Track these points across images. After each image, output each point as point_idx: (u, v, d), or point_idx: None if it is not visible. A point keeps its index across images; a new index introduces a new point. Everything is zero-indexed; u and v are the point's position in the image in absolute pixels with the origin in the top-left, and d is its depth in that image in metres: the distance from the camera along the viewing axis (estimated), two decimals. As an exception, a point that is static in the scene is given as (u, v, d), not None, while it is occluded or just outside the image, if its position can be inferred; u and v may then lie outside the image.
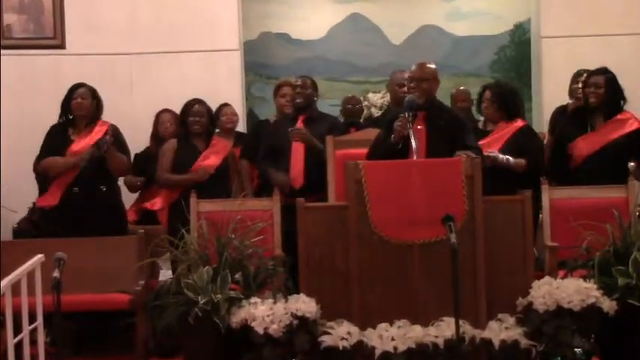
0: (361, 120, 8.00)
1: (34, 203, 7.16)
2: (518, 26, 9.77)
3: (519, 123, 6.34)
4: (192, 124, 6.62)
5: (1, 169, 7.04)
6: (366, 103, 8.57)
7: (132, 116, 7.10)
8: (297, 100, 6.67)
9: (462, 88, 8.16)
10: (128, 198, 7.14)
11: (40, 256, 4.64)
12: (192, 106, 6.66)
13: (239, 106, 7.92)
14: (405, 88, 6.78)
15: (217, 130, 7.35)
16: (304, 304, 5.05)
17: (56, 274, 4.52)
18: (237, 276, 5.27)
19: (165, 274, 5.68)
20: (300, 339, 4.98)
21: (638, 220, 5.54)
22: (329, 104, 8.82)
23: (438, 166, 5.33)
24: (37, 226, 6.96)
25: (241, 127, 7.90)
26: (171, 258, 5.53)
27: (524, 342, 5.00)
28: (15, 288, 4.40)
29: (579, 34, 8.21)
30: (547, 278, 5.24)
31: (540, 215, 6.05)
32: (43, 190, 6.94)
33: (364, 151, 5.88)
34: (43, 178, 6.96)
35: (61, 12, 8.12)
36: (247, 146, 7.04)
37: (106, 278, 5.90)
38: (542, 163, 6.33)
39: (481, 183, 5.23)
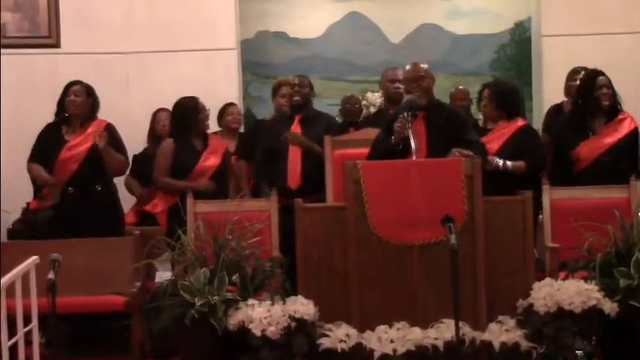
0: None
1: (28, 204, 7.14)
2: (518, 25, 9.78)
3: (520, 122, 6.34)
4: (203, 121, 6.55)
5: (0, 170, 7.03)
6: (364, 102, 8.56)
7: (128, 115, 7.10)
8: (295, 98, 6.67)
9: (461, 87, 8.15)
10: (128, 200, 7.14)
11: (34, 257, 4.64)
12: (198, 103, 6.54)
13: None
14: (398, 84, 6.78)
15: (220, 129, 7.35)
16: (302, 306, 5.05)
17: (51, 275, 4.51)
18: (235, 277, 5.26)
19: (162, 276, 5.66)
20: (298, 341, 4.97)
21: (640, 220, 5.54)
22: (327, 104, 8.81)
23: (437, 166, 5.33)
24: (31, 227, 6.94)
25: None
26: (171, 260, 5.52)
27: (524, 344, 5.00)
28: (9, 290, 4.40)
29: (580, 33, 8.20)
30: (548, 280, 5.23)
31: (540, 216, 6.04)
32: (38, 190, 6.93)
33: (363, 150, 5.88)
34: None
35: (56, 10, 8.10)
36: (244, 146, 7.03)
37: (102, 280, 5.89)
38: (543, 163, 6.32)
39: (481, 183, 5.23)
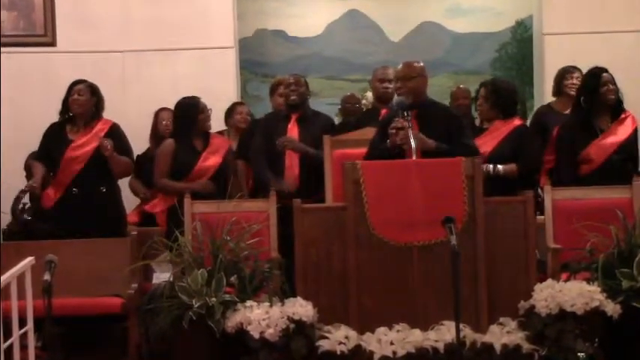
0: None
1: (24, 204, 7.14)
2: (519, 23, 9.79)
3: (516, 122, 6.29)
4: (204, 121, 6.51)
5: (1, 169, 7.03)
6: (364, 101, 8.56)
7: (125, 115, 7.08)
8: (292, 98, 6.67)
9: (461, 86, 8.16)
10: (131, 201, 7.15)
11: (30, 258, 4.64)
12: (199, 103, 6.53)
13: (234, 105, 7.90)
14: (387, 84, 6.77)
15: (226, 128, 7.34)
16: (301, 308, 5.05)
17: (47, 277, 4.50)
18: (233, 279, 5.26)
19: (159, 277, 5.66)
20: (297, 343, 4.97)
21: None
22: (326, 103, 8.81)
23: (437, 166, 5.33)
24: (27, 228, 6.94)
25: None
26: (168, 261, 5.52)
27: (526, 346, 5.01)
28: (5, 291, 4.39)
29: (582, 31, 8.20)
30: (549, 281, 5.23)
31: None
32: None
33: (362, 150, 5.87)
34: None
35: (51, 8, 8.10)
36: (243, 146, 7.02)
37: (98, 281, 5.88)
38: (536, 166, 6.30)
39: (482, 184, 5.23)
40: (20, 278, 4.54)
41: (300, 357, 4.98)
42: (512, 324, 5.15)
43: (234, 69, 8.38)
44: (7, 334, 4.44)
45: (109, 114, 6.70)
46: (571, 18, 8.27)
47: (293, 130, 6.62)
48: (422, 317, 5.16)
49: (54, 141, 6.47)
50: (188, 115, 6.48)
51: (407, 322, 5.13)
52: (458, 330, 4.66)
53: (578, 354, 4.98)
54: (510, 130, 6.21)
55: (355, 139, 6.36)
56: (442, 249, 4.97)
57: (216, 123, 7.09)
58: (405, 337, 5.05)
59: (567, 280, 5.25)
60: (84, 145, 6.40)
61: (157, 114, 7.41)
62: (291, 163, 6.53)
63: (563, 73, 6.98)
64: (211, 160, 6.45)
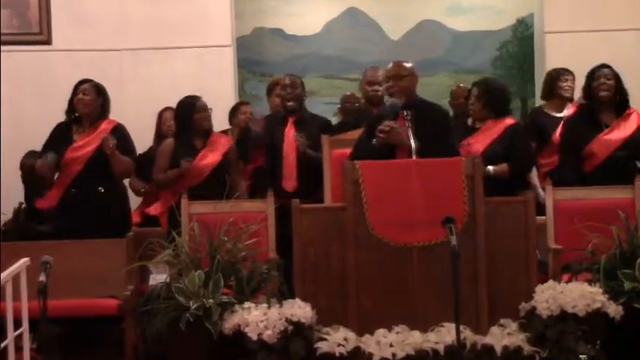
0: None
1: (20, 204, 7.15)
2: (520, 21, 9.78)
3: (508, 121, 6.29)
4: (201, 120, 6.46)
5: (1, 170, 7.04)
6: (364, 101, 8.55)
7: (122, 114, 7.06)
8: (289, 104, 6.67)
9: (461, 85, 8.15)
10: (134, 200, 7.14)
11: (25, 259, 4.63)
12: (196, 102, 6.53)
13: (232, 104, 7.90)
14: (376, 87, 6.75)
15: (230, 127, 7.34)
16: (299, 309, 5.05)
17: (42, 278, 4.50)
18: (230, 280, 5.26)
19: (156, 278, 5.66)
20: (296, 345, 4.97)
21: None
22: (325, 102, 8.81)
23: (437, 166, 5.33)
24: (23, 228, 6.95)
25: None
26: (165, 261, 5.52)
27: (527, 348, 5.00)
28: (0, 292, 4.39)
29: (583, 29, 8.21)
30: (551, 282, 5.23)
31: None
32: (29, 190, 6.94)
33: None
34: (30, 177, 6.96)
35: (47, 6, 8.09)
36: (240, 146, 7.02)
37: (94, 282, 5.88)
38: (528, 165, 6.30)
39: (482, 184, 5.23)
40: (15, 279, 4.54)
41: (298, 359, 4.98)
42: (513, 325, 5.15)
43: (231, 68, 8.38)
44: (2, 335, 4.43)
45: (107, 113, 6.70)
46: (572, 16, 8.27)
47: (290, 133, 6.62)
48: (422, 319, 5.16)
49: (58, 141, 6.45)
50: (185, 114, 6.48)
51: (406, 324, 5.13)
52: (458, 332, 4.66)
53: (580, 356, 4.98)
54: (502, 130, 6.21)
55: (354, 138, 6.34)
56: (442, 249, 4.97)
57: (215, 122, 7.08)
58: (404, 338, 5.05)
59: (569, 281, 5.26)
60: (85, 145, 6.39)
61: (161, 114, 7.41)
62: (290, 162, 6.53)
63: (558, 76, 6.98)
64: (209, 159, 6.43)
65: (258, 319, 4.97)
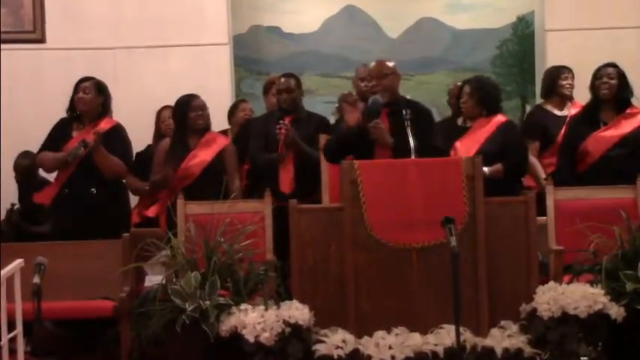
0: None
1: (12, 205, 7.15)
2: (521, 19, 9.76)
3: (500, 118, 6.28)
4: (195, 119, 6.46)
5: (1, 170, 7.04)
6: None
7: (115, 113, 7.05)
8: (284, 107, 6.67)
9: (459, 83, 8.15)
10: (134, 200, 7.13)
11: (19, 260, 4.63)
12: (191, 100, 6.53)
13: (228, 103, 7.90)
14: (367, 83, 6.77)
15: (230, 127, 7.34)
16: (297, 311, 5.05)
17: (36, 279, 4.51)
18: (227, 282, 5.26)
19: (152, 280, 5.66)
20: (293, 348, 4.98)
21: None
22: (323, 101, 8.80)
23: (437, 166, 5.34)
24: (16, 229, 6.96)
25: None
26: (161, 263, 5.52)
27: (527, 350, 5.01)
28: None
29: (585, 27, 8.22)
30: (552, 283, 5.24)
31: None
32: (23, 191, 6.94)
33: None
34: (26, 178, 6.97)
35: (40, 4, 8.09)
36: (236, 146, 7.01)
37: (89, 284, 5.88)
38: (522, 163, 6.31)
39: (482, 184, 5.24)
40: (9, 280, 4.54)
41: (296, 361, 4.99)
42: (514, 327, 5.16)
43: (228, 66, 8.38)
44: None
45: (100, 112, 6.70)
46: (573, 13, 8.28)
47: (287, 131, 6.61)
48: (421, 320, 5.17)
49: (58, 138, 6.45)
50: (180, 113, 6.49)
51: (406, 326, 5.14)
52: (458, 334, 4.68)
53: (581, 358, 4.99)
54: (495, 128, 6.21)
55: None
56: (442, 250, 4.98)
57: (212, 121, 7.08)
58: (403, 341, 5.06)
59: (570, 282, 5.27)
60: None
61: (159, 113, 7.40)
62: (286, 162, 6.53)
63: (557, 74, 6.99)
64: (198, 159, 6.40)
65: (256, 321, 4.97)
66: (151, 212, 6.58)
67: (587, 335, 5.01)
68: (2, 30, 7.96)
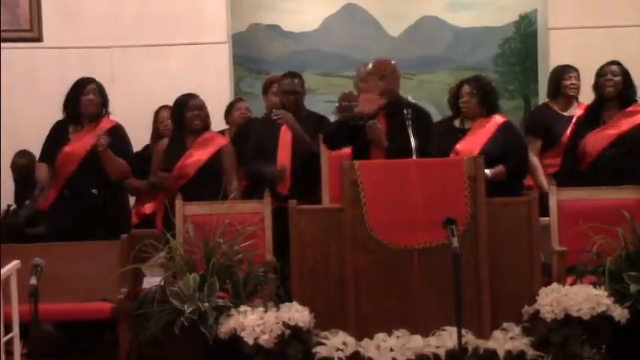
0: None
1: (8, 206, 7.15)
2: (523, 17, 9.76)
3: (499, 119, 6.30)
4: (192, 119, 6.46)
5: (1, 170, 7.04)
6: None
7: (113, 113, 7.07)
8: (291, 108, 6.65)
9: (456, 83, 8.15)
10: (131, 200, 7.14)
11: (16, 262, 4.64)
12: (189, 100, 6.54)
13: (227, 103, 7.89)
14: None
15: (228, 127, 7.34)
16: (297, 313, 5.06)
17: (33, 281, 4.51)
18: (226, 283, 5.26)
19: (150, 282, 5.66)
20: (293, 350, 4.98)
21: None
22: (323, 100, 8.80)
23: (438, 166, 5.35)
24: (11, 230, 6.95)
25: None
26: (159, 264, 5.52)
27: (530, 352, 5.02)
28: (-10, 296, 4.40)
29: (588, 25, 8.22)
30: (555, 285, 5.25)
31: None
32: (20, 191, 6.93)
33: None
34: (23, 177, 6.96)
35: (37, 3, 8.10)
36: (235, 146, 7.01)
37: (87, 286, 5.88)
38: (524, 164, 6.32)
39: (484, 184, 5.25)
40: (5, 282, 4.54)
41: (295, 364, 5.00)
42: (516, 329, 5.17)
43: (227, 65, 8.39)
44: (-8, 340, 4.44)
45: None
46: (577, 12, 8.29)
47: (286, 132, 6.59)
48: (422, 323, 5.17)
49: (55, 140, 6.45)
50: (177, 112, 6.51)
51: (407, 328, 5.14)
52: (460, 336, 4.68)
53: (585, 360, 5.01)
54: (495, 128, 6.22)
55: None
56: (443, 252, 4.99)
57: (212, 120, 7.09)
58: (404, 343, 5.06)
59: (573, 283, 5.27)
60: (79, 145, 6.39)
61: (157, 113, 7.40)
62: (284, 162, 6.52)
63: (561, 74, 6.99)
64: (193, 158, 6.40)
65: (255, 323, 4.98)
66: (148, 209, 6.60)
67: (591, 337, 5.02)
68: (-1, 29, 8.00)
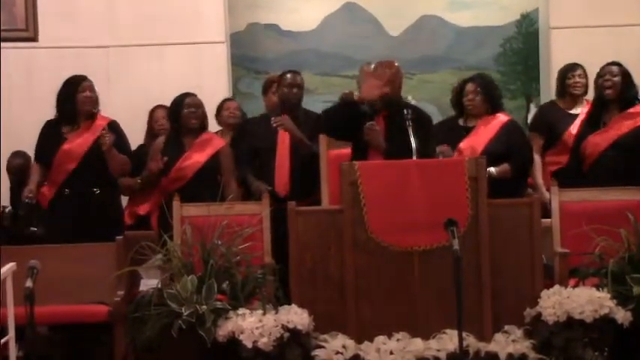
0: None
1: (4, 207, 7.15)
2: (525, 16, 9.77)
3: (504, 118, 6.34)
4: (188, 117, 6.46)
5: (0, 170, 7.03)
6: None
7: (109, 113, 7.08)
8: (293, 101, 6.65)
9: (458, 82, 8.15)
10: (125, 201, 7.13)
11: (11, 264, 4.64)
12: (185, 98, 6.53)
13: (225, 103, 7.90)
14: None
15: (221, 129, 7.34)
16: (296, 316, 5.06)
17: (29, 283, 4.51)
18: (224, 285, 5.26)
19: (147, 284, 5.66)
20: (292, 353, 4.99)
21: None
22: (322, 100, 8.80)
23: (439, 167, 5.35)
24: (7, 232, 6.95)
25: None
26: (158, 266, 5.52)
27: (532, 356, 5.03)
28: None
29: (590, 25, 8.22)
30: (557, 287, 5.25)
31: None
32: (16, 191, 6.93)
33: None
34: (19, 177, 6.96)
35: (33, 2, 8.10)
36: (233, 146, 7.01)
37: (83, 288, 5.87)
38: (528, 162, 6.34)
39: (486, 185, 5.25)
40: (1, 285, 4.54)
41: (295, 367, 5.00)
42: (518, 332, 5.17)
43: (225, 65, 8.38)
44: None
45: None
46: (579, 11, 8.29)
47: (284, 136, 6.59)
48: (423, 325, 5.17)
49: (49, 139, 6.44)
50: (174, 111, 6.53)
51: (407, 331, 5.14)
52: (461, 339, 4.68)
53: (587, 363, 5.01)
54: (499, 127, 6.26)
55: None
56: (444, 253, 4.98)
57: (209, 121, 7.11)
58: (405, 346, 5.06)
59: (575, 286, 5.27)
60: (78, 143, 6.37)
61: (152, 112, 7.40)
62: (282, 165, 6.52)
63: (565, 73, 7.02)
64: (192, 160, 6.42)
65: (253, 325, 4.98)
66: (142, 210, 6.60)
67: (593, 340, 5.02)
68: (-4, 28, 8.00)
